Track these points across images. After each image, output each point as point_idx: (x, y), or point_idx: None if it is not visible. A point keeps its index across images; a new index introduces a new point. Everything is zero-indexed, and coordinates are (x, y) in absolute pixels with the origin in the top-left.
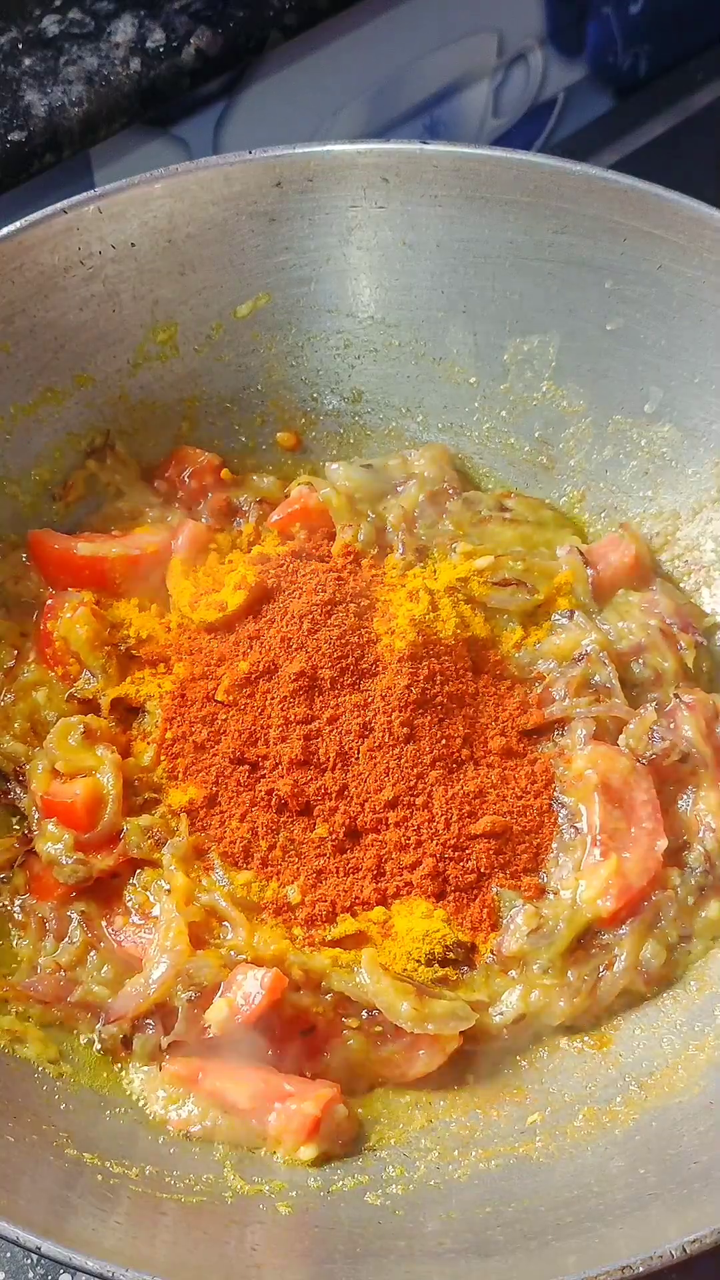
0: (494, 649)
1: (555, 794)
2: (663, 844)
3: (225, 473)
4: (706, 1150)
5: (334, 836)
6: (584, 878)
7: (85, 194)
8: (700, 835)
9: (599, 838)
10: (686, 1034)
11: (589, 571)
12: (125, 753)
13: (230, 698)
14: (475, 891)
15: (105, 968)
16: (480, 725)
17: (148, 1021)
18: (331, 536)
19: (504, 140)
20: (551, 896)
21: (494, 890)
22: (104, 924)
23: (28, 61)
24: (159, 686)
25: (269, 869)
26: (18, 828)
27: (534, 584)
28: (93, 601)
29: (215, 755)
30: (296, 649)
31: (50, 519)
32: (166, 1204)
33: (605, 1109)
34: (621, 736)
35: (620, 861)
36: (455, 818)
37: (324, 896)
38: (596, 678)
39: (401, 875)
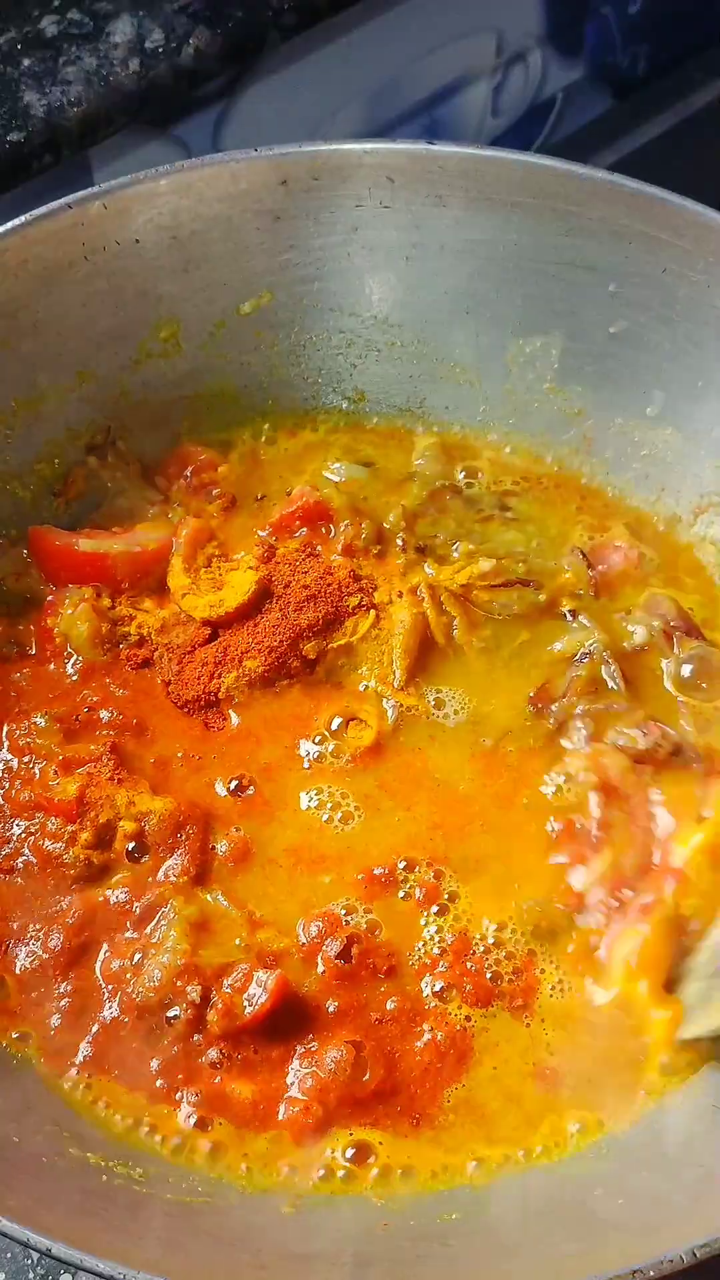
0: None
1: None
2: None
3: (225, 468)
4: (711, 1154)
5: None
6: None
7: (90, 190)
8: None
9: (598, 836)
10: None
11: (591, 573)
12: None
13: None
14: None
15: None
16: None
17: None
18: (331, 535)
19: (503, 140)
20: None
21: None
22: None
23: (26, 62)
24: None
25: None
26: None
27: (539, 580)
28: (93, 598)
29: None
30: None
31: (51, 515)
32: (171, 1205)
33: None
34: (611, 733)
35: (618, 859)
36: None
37: None
38: (604, 675)
39: None
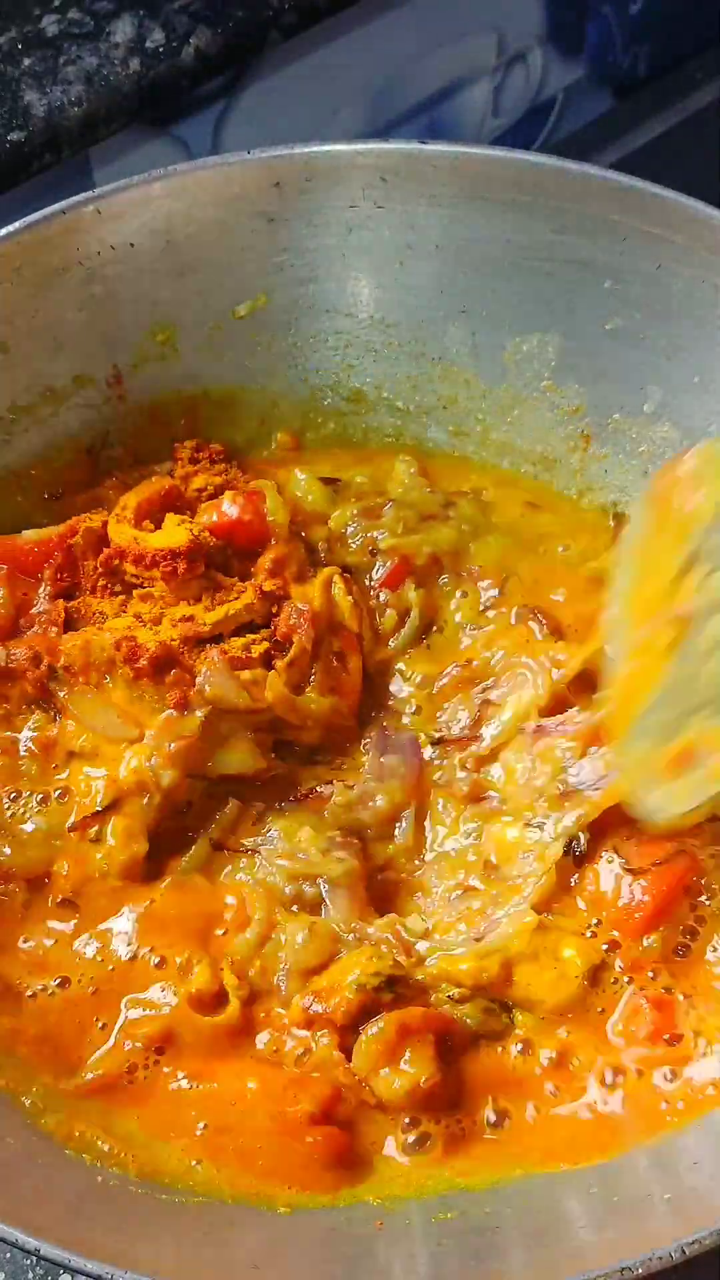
0: None
1: None
2: None
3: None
4: (705, 1150)
5: None
6: None
7: (84, 195)
8: None
9: None
10: None
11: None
12: None
13: None
14: None
15: None
16: None
17: None
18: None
19: (504, 140)
20: None
21: None
22: None
23: (27, 61)
24: None
25: None
26: None
27: None
28: None
29: None
30: None
31: (48, 520)
32: (166, 1205)
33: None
34: None
35: None
36: None
37: None
38: None
39: None
